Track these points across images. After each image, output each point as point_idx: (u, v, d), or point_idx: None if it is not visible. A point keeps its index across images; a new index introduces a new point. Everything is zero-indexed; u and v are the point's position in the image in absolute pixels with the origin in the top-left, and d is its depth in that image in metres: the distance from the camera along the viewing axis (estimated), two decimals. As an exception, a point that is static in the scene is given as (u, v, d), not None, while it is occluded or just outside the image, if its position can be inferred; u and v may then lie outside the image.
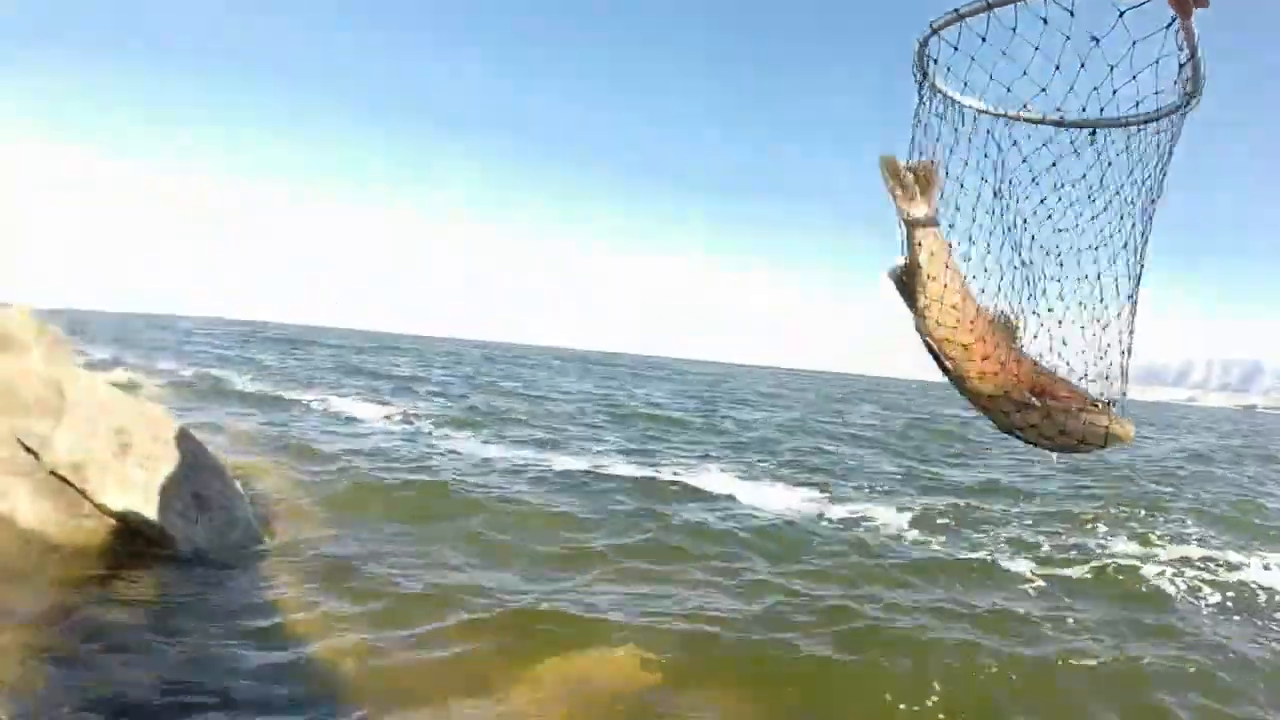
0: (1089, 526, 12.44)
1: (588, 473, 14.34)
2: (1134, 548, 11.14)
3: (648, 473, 14.82)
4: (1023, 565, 9.91)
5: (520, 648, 6.36)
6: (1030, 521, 12.67)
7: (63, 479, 7.30)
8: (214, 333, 43.16)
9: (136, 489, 7.37)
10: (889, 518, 12.28)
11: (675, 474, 14.90)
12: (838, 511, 12.65)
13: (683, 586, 8.30)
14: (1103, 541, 11.40)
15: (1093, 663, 6.92)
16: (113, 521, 7.41)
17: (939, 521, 12.21)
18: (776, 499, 13.36)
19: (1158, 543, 11.47)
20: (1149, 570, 9.82)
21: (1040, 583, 9.26)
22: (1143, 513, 13.67)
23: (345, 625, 6.53)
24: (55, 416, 7.56)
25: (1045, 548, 10.92)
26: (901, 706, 5.95)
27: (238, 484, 8.66)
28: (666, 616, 7.30)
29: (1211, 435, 41.82)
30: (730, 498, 13.02)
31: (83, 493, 7.25)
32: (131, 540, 7.43)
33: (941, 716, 5.86)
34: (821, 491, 14.41)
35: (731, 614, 7.52)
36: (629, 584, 8.25)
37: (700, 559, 9.32)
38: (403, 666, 5.88)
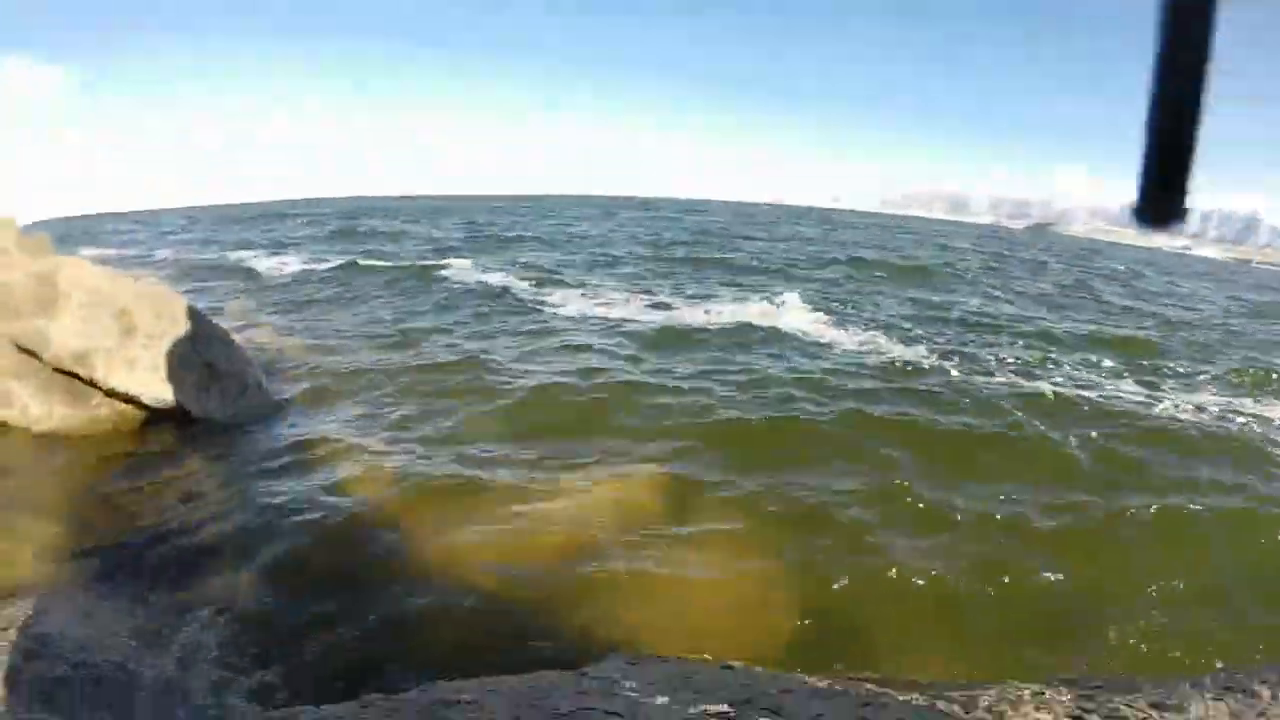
0: (1101, 362, 12.17)
1: (602, 306, 14.52)
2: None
3: (663, 312, 14.69)
4: (1023, 385, 10.04)
5: (546, 473, 6.51)
6: (1035, 353, 12.51)
7: (68, 373, 7.11)
8: (198, 220, 41.80)
9: (145, 368, 7.19)
10: (900, 348, 12.21)
11: (686, 309, 14.84)
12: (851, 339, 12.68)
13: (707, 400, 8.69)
14: (1116, 384, 11.15)
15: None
16: (126, 405, 7.27)
17: (956, 350, 12.11)
18: (797, 323, 13.46)
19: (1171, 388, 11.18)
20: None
21: (1021, 401, 9.37)
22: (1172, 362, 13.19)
23: (369, 474, 6.53)
24: (50, 311, 7.27)
25: (1049, 376, 10.90)
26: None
27: (246, 351, 8.52)
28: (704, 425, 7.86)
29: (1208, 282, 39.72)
30: (757, 327, 13.05)
31: (91, 382, 7.06)
32: (148, 419, 7.33)
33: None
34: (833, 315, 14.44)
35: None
36: (655, 406, 8.43)
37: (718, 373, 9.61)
38: (434, 502, 5.96)
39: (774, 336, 12.43)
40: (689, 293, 16.88)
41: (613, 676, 2.45)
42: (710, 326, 13.05)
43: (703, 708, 2.20)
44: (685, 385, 9.27)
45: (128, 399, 7.20)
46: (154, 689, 3.59)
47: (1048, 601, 5.28)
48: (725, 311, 14.44)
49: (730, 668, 2.86)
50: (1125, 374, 11.44)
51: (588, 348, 11.12)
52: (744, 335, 12.40)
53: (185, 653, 4.08)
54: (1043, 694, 2.36)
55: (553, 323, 13.11)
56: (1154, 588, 5.44)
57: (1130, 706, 2.20)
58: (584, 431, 7.62)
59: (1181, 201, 0.81)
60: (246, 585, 4.91)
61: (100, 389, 7.12)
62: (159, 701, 3.51)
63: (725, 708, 2.20)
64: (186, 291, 9.67)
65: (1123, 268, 36.08)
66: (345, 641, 4.41)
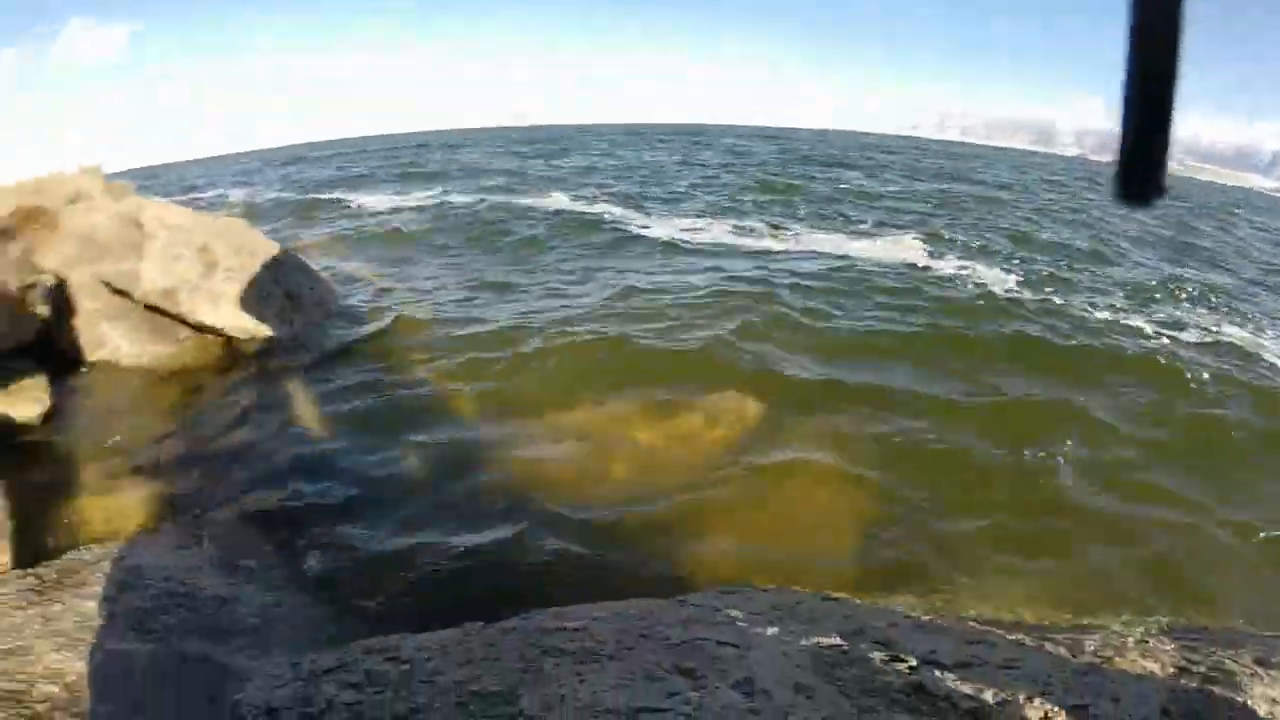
0: (1197, 307, 11.30)
1: (690, 232, 14.45)
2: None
3: (751, 237, 14.46)
4: (1121, 322, 9.59)
5: (634, 399, 6.44)
6: (1130, 291, 11.74)
7: (156, 309, 7.30)
8: (271, 162, 42.21)
9: (229, 301, 7.33)
10: (995, 274, 11.80)
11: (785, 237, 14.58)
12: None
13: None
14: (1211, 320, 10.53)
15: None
16: (212, 338, 7.43)
17: (1051, 284, 11.50)
18: (891, 252, 13.18)
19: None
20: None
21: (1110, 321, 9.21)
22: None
23: (456, 401, 6.58)
24: (136, 251, 7.45)
25: (1149, 314, 10.31)
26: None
27: (328, 280, 8.64)
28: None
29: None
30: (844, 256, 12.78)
31: (178, 317, 7.23)
32: (234, 351, 7.47)
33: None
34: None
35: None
36: (745, 332, 8.28)
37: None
38: (523, 429, 5.99)
39: (867, 261, 12.15)
40: (774, 220, 16.48)
41: (714, 605, 2.37)
42: (799, 250, 12.87)
43: (815, 639, 2.10)
44: (775, 310, 9.08)
45: (213, 332, 7.37)
46: (249, 616, 3.63)
47: (1149, 543, 5.03)
48: (814, 237, 14.19)
49: (831, 599, 2.75)
50: (1227, 320, 10.65)
51: (677, 276, 10.97)
52: (836, 260, 12.14)
53: (280, 582, 4.13)
54: (1146, 642, 2.25)
55: (640, 248, 13.03)
56: (1260, 542, 5.11)
57: (1235, 661, 2.09)
58: (674, 358, 7.50)
59: (1161, 179, 0.82)
60: (339, 514, 4.96)
61: (187, 323, 7.30)
62: (254, 629, 3.54)
63: (837, 640, 2.11)
64: (267, 230, 9.76)
65: (1215, 206, 33.81)
66: (438, 569, 4.41)
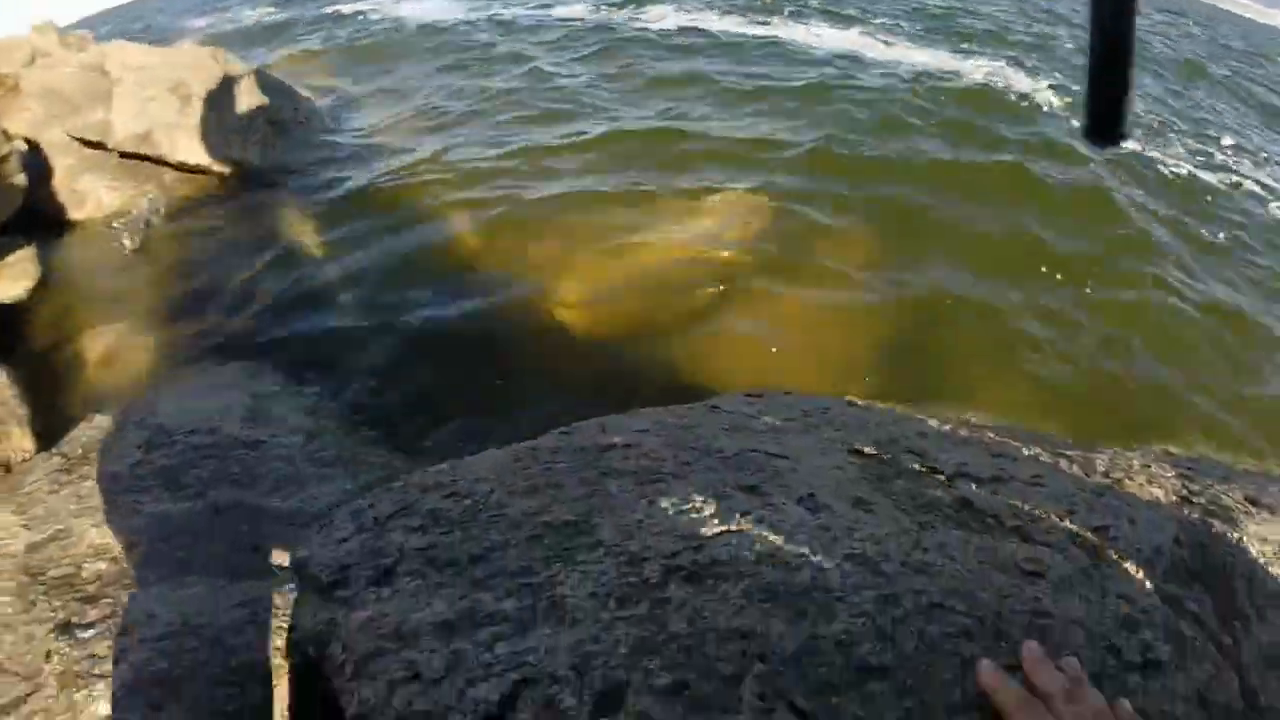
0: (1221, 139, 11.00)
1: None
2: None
3: (755, 30, 13.81)
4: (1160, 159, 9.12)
5: (637, 205, 6.29)
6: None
7: (134, 155, 7.05)
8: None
9: (208, 135, 7.07)
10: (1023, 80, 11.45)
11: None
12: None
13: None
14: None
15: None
16: (197, 175, 7.23)
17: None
18: (899, 54, 12.65)
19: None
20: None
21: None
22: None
23: (459, 220, 6.45)
24: (106, 101, 7.12)
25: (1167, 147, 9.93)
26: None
27: (312, 101, 8.38)
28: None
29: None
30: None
31: (158, 159, 7.01)
32: (222, 185, 7.26)
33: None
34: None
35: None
36: (754, 125, 8.13)
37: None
38: (527, 244, 5.93)
39: (876, 59, 11.80)
40: (786, 14, 15.58)
41: (745, 411, 2.40)
42: (816, 45, 12.46)
43: (857, 446, 2.13)
44: (788, 103, 8.87)
45: (196, 170, 7.16)
46: (278, 458, 3.65)
47: (1152, 369, 5.21)
48: (825, 33, 13.68)
49: (855, 404, 2.81)
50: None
51: (691, 71, 10.53)
52: (848, 58, 11.72)
53: (302, 419, 4.15)
54: (1150, 467, 2.34)
55: (648, 46, 12.45)
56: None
57: (1229, 496, 2.19)
58: (681, 155, 7.29)
59: (1125, 122, 0.96)
60: (347, 345, 4.95)
61: (168, 164, 7.07)
62: (285, 469, 3.58)
63: (873, 449, 2.12)
64: (242, 54, 9.18)
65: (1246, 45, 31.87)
66: (457, 388, 4.50)
